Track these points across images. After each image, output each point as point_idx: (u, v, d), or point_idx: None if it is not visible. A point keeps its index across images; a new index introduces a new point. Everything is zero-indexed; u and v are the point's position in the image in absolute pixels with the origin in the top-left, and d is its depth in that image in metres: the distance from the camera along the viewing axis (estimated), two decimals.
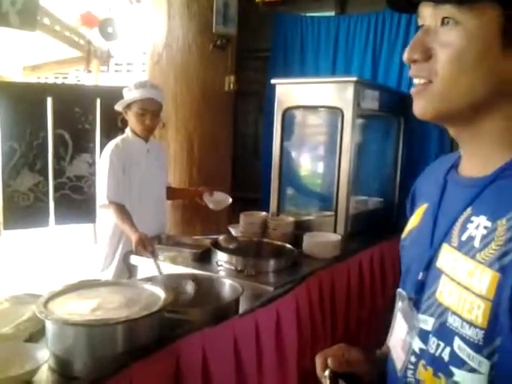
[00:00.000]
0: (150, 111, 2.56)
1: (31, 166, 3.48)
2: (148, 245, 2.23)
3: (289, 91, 2.83)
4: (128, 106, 2.57)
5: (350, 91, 2.59)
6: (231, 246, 2.34)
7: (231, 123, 3.87)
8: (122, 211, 2.45)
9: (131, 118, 2.59)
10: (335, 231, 2.62)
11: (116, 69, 8.59)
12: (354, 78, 2.61)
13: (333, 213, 2.70)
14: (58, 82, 8.05)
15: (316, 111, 3.12)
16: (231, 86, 3.69)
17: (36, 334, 1.39)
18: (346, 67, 3.57)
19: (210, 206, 2.79)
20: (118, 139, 2.63)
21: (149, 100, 2.54)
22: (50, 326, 1.24)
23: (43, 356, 1.19)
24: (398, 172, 3.29)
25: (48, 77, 8.16)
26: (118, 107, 2.61)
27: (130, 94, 2.56)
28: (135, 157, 2.60)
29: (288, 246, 2.38)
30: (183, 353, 1.30)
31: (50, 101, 3.52)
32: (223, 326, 1.46)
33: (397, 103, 3.17)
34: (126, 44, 6.46)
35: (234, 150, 3.93)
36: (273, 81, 2.87)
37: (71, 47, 6.41)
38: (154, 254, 2.18)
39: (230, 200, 2.87)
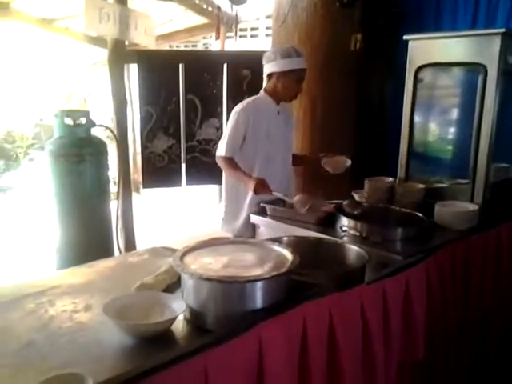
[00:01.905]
0: (303, 80, 2.66)
1: (165, 129, 3.73)
2: (266, 184, 2.38)
3: (423, 48, 2.63)
4: (284, 73, 2.60)
5: (495, 45, 2.33)
6: (356, 212, 2.27)
7: (356, 84, 3.71)
8: (232, 162, 2.59)
9: (283, 83, 2.63)
10: (472, 200, 2.41)
11: (240, 34, 8.72)
12: (502, 30, 2.33)
13: (468, 180, 2.49)
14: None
15: (450, 69, 2.85)
16: (357, 44, 3.52)
17: (172, 285, 1.50)
18: (488, 18, 3.19)
19: (328, 169, 2.71)
20: (251, 98, 2.73)
21: (304, 70, 2.64)
22: (185, 279, 1.31)
23: (179, 307, 1.27)
24: None
25: (179, 45, 8.57)
26: (274, 68, 2.62)
27: (288, 61, 2.58)
28: (264, 116, 2.66)
29: (418, 214, 2.24)
30: (310, 315, 1.30)
31: (181, 67, 3.70)
32: (351, 293, 1.43)
33: None
34: (251, 8, 6.49)
35: (358, 112, 3.77)
36: (405, 37, 2.67)
37: (200, 15, 6.61)
38: (274, 191, 2.36)
39: (349, 162, 2.74)
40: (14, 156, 8.77)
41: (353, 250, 1.74)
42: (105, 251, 3.13)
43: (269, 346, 1.20)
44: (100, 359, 1.11)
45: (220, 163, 2.65)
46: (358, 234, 2.03)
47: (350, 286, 1.46)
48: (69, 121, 3.04)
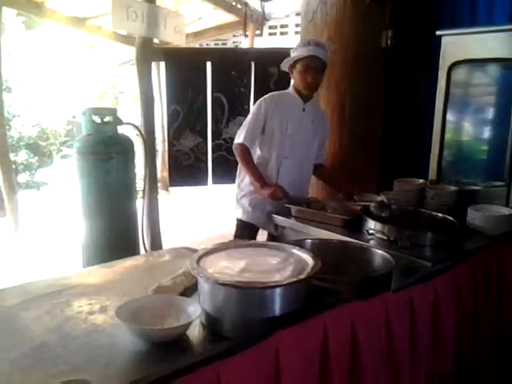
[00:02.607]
0: (313, 68, 2.58)
1: (192, 127, 3.72)
2: (282, 192, 2.43)
3: (457, 43, 2.55)
4: (293, 65, 2.63)
5: None
6: (384, 215, 2.19)
7: (386, 82, 3.60)
8: (249, 156, 2.57)
9: (295, 76, 2.65)
10: (507, 204, 2.30)
11: (270, 32, 8.68)
12: None
13: (504, 183, 2.37)
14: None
15: (486, 66, 2.74)
16: (388, 41, 3.41)
17: (190, 288, 1.46)
18: None
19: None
20: (278, 91, 2.75)
21: (312, 58, 2.57)
22: (201, 283, 1.27)
23: (195, 311, 1.23)
24: None
25: (209, 43, 8.58)
26: (284, 66, 2.69)
27: (295, 53, 2.62)
28: (286, 111, 2.63)
29: (449, 217, 2.15)
30: (331, 324, 1.24)
31: (209, 65, 3.68)
32: (375, 301, 1.37)
33: None
34: (281, 6, 6.43)
35: (388, 111, 3.66)
36: (438, 32, 2.58)
37: (228, 13, 6.60)
38: (291, 198, 2.41)
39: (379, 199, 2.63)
40: (48, 153, 8.98)
41: (378, 254, 1.67)
42: (130, 249, 3.13)
43: (286, 357, 1.15)
44: (111, 364, 1.08)
45: (235, 150, 2.61)
46: (386, 237, 1.95)
47: (374, 293, 1.40)
48: (96, 119, 3.05)
